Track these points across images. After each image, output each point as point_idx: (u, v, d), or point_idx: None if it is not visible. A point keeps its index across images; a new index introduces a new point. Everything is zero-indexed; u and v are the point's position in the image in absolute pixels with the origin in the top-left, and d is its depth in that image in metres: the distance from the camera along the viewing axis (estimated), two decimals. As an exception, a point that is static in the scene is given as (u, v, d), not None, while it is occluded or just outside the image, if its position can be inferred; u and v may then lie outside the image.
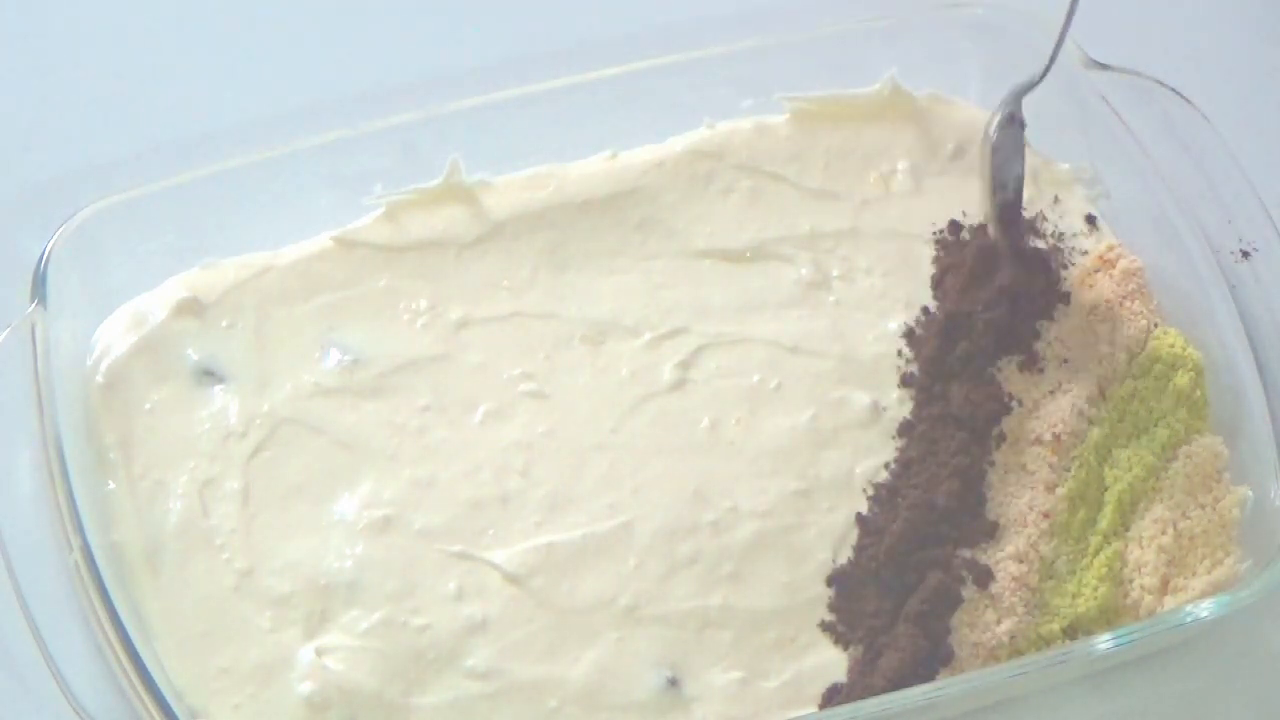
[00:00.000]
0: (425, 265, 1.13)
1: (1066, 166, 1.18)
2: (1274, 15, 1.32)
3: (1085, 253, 1.14)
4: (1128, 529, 1.04)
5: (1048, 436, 1.06)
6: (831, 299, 1.13)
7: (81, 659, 0.98)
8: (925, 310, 1.12)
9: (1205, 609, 0.99)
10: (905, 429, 1.07)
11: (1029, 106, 1.18)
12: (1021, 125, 1.12)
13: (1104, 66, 1.16)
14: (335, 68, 1.29)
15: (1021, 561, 1.02)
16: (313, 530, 1.04)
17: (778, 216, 1.16)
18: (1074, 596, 1.02)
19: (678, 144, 1.18)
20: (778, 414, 1.08)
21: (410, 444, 1.07)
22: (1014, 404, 1.08)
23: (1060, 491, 1.05)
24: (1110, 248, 1.14)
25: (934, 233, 1.15)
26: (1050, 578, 1.02)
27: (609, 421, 1.08)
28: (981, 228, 1.14)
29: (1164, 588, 1.02)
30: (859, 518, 1.04)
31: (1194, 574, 1.03)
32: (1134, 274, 1.13)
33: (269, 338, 1.11)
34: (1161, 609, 1.01)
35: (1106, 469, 1.06)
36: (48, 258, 1.09)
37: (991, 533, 1.03)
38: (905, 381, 1.09)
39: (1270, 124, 1.25)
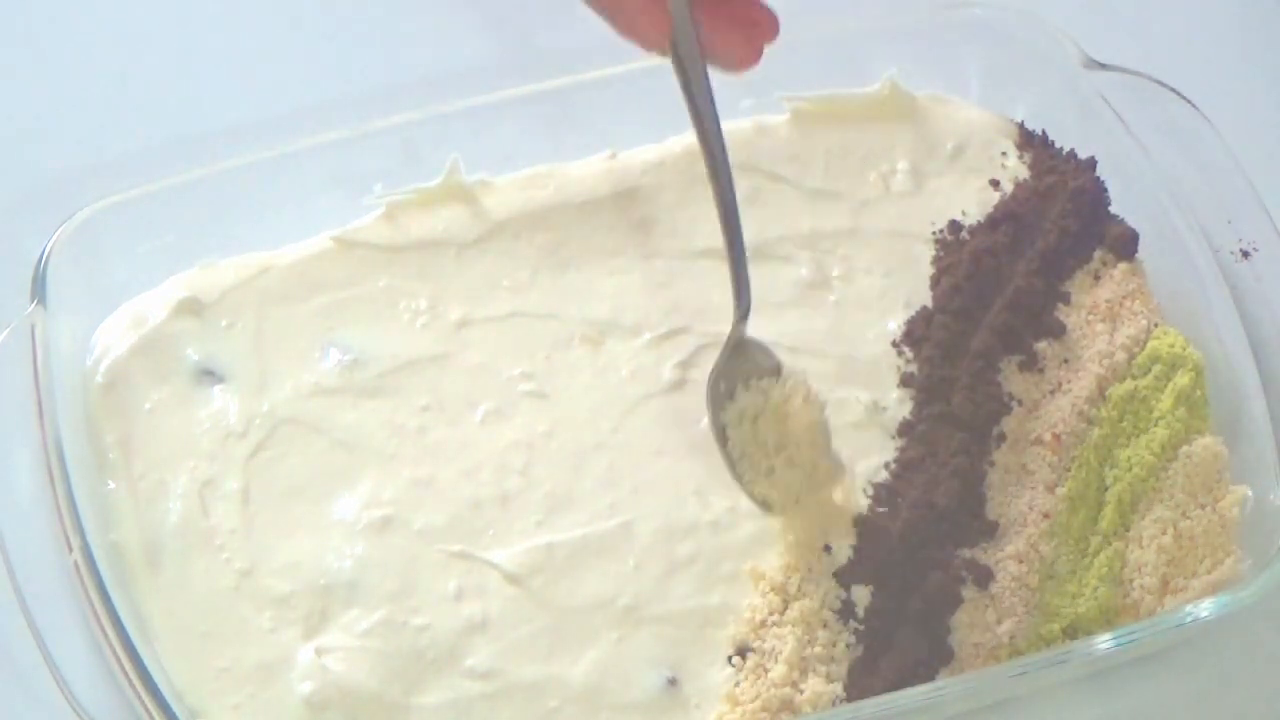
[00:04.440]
0: (425, 265, 1.13)
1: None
2: (1274, 15, 1.32)
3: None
4: (1128, 529, 1.04)
5: (1048, 436, 1.06)
6: (831, 299, 1.13)
7: (81, 659, 0.98)
8: (925, 310, 1.12)
9: (1205, 609, 0.99)
10: (905, 429, 1.07)
11: (1029, 107, 1.19)
12: None
13: (1104, 66, 1.16)
14: (335, 68, 1.29)
15: (1021, 562, 1.02)
16: (313, 530, 1.04)
17: (778, 216, 1.15)
18: (1074, 597, 1.02)
19: (677, 144, 1.17)
20: (778, 414, 1.08)
21: (410, 444, 1.07)
22: (1014, 404, 1.07)
23: (1060, 491, 1.04)
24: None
25: (934, 233, 1.15)
26: (1050, 578, 1.02)
27: (609, 421, 1.08)
28: (982, 227, 1.14)
29: (1164, 588, 1.02)
30: (859, 518, 1.04)
31: (1194, 574, 1.02)
32: (1134, 274, 1.13)
33: (269, 338, 1.11)
34: (1161, 609, 1.01)
35: (1106, 469, 1.06)
36: (48, 257, 1.08)
37: (991, 533, 1.03)
38: (905, 381, 1.09)
39: (1270, 124, 1.25)
